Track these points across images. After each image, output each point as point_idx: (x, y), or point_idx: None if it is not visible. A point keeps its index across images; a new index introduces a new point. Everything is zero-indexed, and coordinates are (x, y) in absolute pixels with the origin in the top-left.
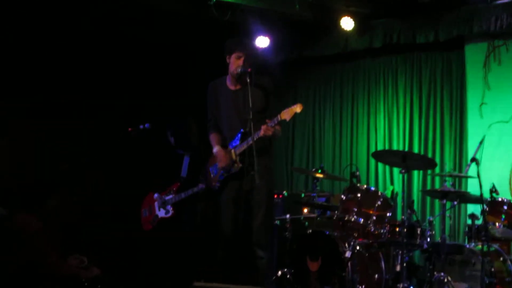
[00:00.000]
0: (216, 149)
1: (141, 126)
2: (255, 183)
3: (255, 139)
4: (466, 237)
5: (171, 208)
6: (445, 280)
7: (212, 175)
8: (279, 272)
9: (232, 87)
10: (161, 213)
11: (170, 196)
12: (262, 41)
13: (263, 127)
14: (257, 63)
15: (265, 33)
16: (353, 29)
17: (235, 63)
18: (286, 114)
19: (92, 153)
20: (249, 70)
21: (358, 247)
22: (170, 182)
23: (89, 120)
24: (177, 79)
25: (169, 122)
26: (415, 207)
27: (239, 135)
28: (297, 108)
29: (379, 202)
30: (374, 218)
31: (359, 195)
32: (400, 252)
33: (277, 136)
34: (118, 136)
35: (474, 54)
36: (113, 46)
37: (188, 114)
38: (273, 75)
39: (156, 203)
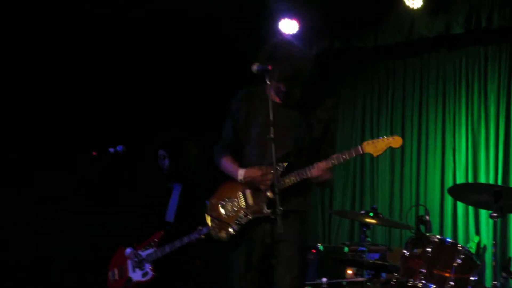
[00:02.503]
0: (242, 171)
1: (111, 150)
2: (282, 235)
3: (302, 177)
4: None
5: (151, 268)
6: None
7: (225, 214)
8: None
9: (277, 99)
10: (136, 276)
11: (150, 251)
12: (288, 26)
13: (320, 165)
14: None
15: (292, 15)
16: (422, 7)
17: (274, 86)
18: (372, 147)
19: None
20: (269, 67)
21: None
22: (150, 230)
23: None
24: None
25: (161, 140)
26: None
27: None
28: (394, 142)
29: (458, 260)
30: (452, 283)
31: (429, 249)
32: None
33: (329, 184)
34: (78, 164)
35: None
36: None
37: (184, 132)
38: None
39: (129, 262)
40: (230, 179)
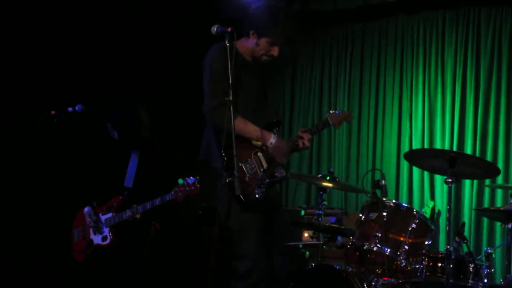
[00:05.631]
0: (274, 139)
1: (70, 109)
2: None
3: (294, 146)
4: None
5: (110, 233)
6: None
7: (247, 176)
8: None
9: (249, 59)
10: (96, 239)
11: (108, 215)
12: None
13: (305, 135)
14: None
15: None
16: None
17: (264, 48)
18: (335, 119)
19: None
20: (229, 29)
21: None
22: (109, 194)
23: None
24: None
25: (109, 108)
26: (466, 233)
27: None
28: (347, 117)
29: (413, 225)
30: (406, 247)
31: (385, 214)
32: None
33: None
34: (34, 124)
35: None
36: None
37: (135, 96)
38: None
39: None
40: (236, 140)
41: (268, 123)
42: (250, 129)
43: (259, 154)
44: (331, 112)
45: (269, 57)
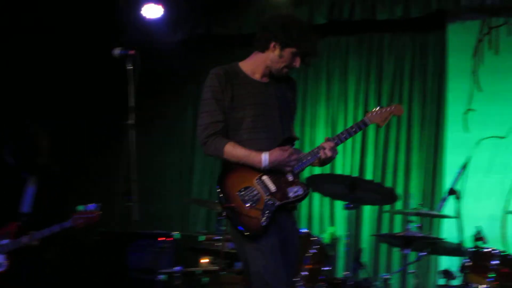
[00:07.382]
0: (266, 155)
1: None
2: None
3: (315, 158)
4: None
5: (6, 259)
6: None
7: (247, 204)
8: None
9: (257, 77)
10: None
11: (4, 242)
12: (152, 11)
13: (330, 145)
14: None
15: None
16: None
17: (287, 59)
18: (378, 117)
19: None
20: (130, 52)
21: None
22: (8, 217)
23: None
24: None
25: (4, 133)
26: (366, 258)
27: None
28: (397, 110)
29: (312, 251)
30: (305, 273)
31: None
32: None
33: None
34: None
35: (460, 37)
36: None
37: (32, 119)
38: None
39: None
40: (236, 167)
41: (280, 141)
42: (240, 154)
43: (264, 177)
44: (372, 110)
45: (290, 69)
